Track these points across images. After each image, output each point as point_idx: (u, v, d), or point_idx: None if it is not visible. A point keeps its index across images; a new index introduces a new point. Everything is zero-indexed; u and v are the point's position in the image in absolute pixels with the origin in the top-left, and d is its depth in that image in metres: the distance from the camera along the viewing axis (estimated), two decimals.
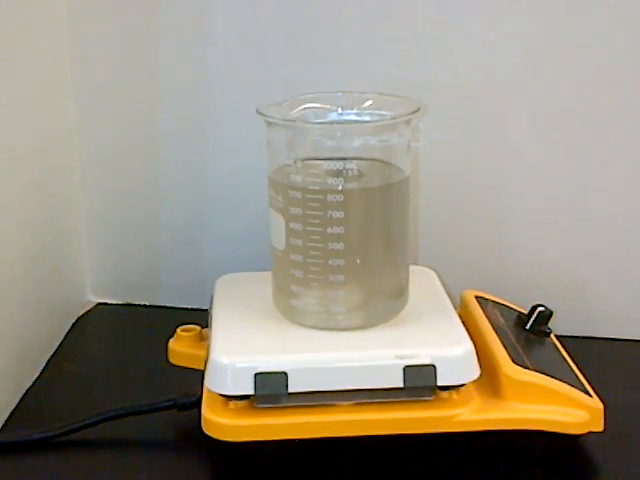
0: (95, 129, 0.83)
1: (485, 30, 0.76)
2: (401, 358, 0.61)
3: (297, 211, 0.62)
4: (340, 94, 0.66)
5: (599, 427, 0.63)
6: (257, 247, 0.70)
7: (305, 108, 0.65)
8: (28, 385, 0.73)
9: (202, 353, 0.67)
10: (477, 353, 0.62)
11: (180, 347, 0.71)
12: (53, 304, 0.80)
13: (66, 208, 0.83)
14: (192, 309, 0.84)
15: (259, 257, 0.68)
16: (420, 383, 0.60)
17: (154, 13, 0.80)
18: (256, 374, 0.60)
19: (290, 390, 0.60)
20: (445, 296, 0.69)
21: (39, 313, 0.76)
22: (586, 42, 0.75)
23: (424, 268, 0.73)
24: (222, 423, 0.61)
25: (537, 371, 0.63)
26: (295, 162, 0.62)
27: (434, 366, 0.60)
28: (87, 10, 0.81)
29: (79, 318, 0.85)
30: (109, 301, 0.88)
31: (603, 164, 0.77)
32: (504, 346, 0.65)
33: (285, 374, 0.60)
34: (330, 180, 0.61)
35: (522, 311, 0.72)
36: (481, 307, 0.71)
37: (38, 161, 0.76)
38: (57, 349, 0.79)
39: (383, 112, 0.64)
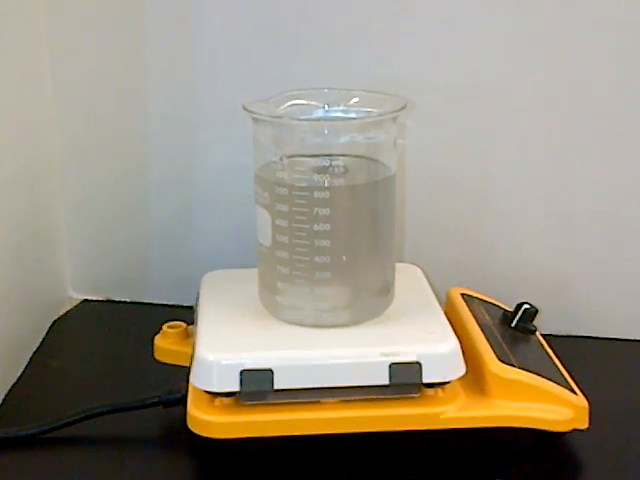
0: (76, 124, 0.83)
1: (471, 30, 0.76)
2: (387, 355, 0.61)
3: (283, 208, 0.62)
4: (327, 91, 0.66)
5: (584, 424, 0.63)
6: (243, 244, 0.70)
7: (291, 105, 0.65)
8: (12, 382, 0.72)
9: (188, 350, 0.67)
10: (463, 350, 0.62)
11: (166, 344, 0.71)
12: (34, 300, 0.79)
13: (47, 204, 0.83)
14: (178, 306, 0.84)
15: (245, 254, 0.68)
16: (406, 380, 0.60)
17: (139, 7, 0.79)
18: (242, 371, 0.60)
19: (276, 387, 0.60)
20: (431, 293, 0.69)
21: (19, 310, 0.76)
22: (571, 43, 0.75)
23: (410, 265, 0.73)
24: (208, 420, 0.61)
25: (522, 369, 0.63)
26: (281, 159, 0.62)
27: (419, 363, 0.60)
28: (67, 2, 0.80)
29: (63, 315, 0.84)
30: (91, 297, 0.87)
31: (586, 163, 0.77)
32: (490, 344, 0.65)
33: (271, 371, 0.60)
34: (316, 177, 0.61)
35: (508, 309, 0.72)
36: (467, 304, 0.71)
37: (18, 156, 0.75)
38: (40, 346, 0.79)
39: (369, 109, 0.64)
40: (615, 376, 0.75)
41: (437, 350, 0.62)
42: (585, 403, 0.63)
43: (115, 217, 0.85)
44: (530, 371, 0.63)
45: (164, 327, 0.71)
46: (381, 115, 0.63)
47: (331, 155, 0.62)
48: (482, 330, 0.67)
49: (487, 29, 0.76)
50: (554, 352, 0.69)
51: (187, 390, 0.63)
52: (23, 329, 0.77)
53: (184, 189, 0.83)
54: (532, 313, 0.70)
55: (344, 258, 0.63)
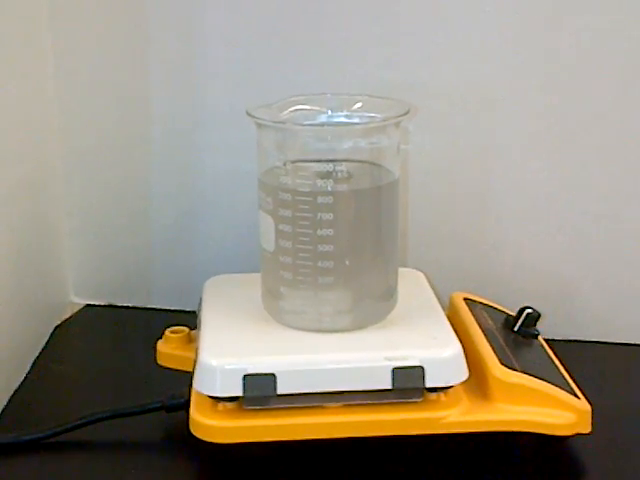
0: (79, 130, 0.83)
1: (473, 34, 0.76)
2: (390, 360, 0.61)
3: (287, 213, 0.62)
4: (330, 96, 0.66)
5: (586, 429, 0.63)
6: (246, 248, 0.70)
7: (295, 110, 0.65)
8: (15, 387, 0.72)
9: (191, 355, 0.67)
10: (465, 355, 0.62)
11: (169, 349, 0.71)
12: (36, 306, 0.79)
13: (49, 209, 0.83)
14: (180, 311, 0.84)
15: (248, 258, 0.68)
16: (409, 385, 0.61)
17: (142, 11, 0.80)
18: (245, 376, 0.60)
19: (279, 392, 0.60)
20: (434, 298, 0.69)
21: (22, 315, 0.76)
22: (572, 45, 0.75)
23: (413, 270, 0.73)
24: (210, 425, 0.61)
25: (525, 373, 0.63)
26: (285, 164, 0.62)
27: (422, 368, 0.60)
28: (71, 7, 0.80)
29: (65, 320, 0.84)
30: (93, 302, 0.87)
31: (588, 166, 0.77)
32: (492, 348, 0.65)
33: (274, 376, 0.60)
34: (320, 182, 0.61)
35: (510, 313, 0.72)
36: (469, 309, 0.71)
37: (20, 162, 0.75)
38: (43, 351, 0.79)
39: (372, 114, 0.64)
40: (618, 380, 0.75)
41: (440, 354, 0.62)
42: (588, 407, 0.63)
43: (117, 222, 0.85)
44: (533, 375, 0.63)
45: (167, 332, 0.71)
46: (384, 120, 0.63)
47: (334, 160, 0.61)
48: (485, 334, 0.67)
49: (489, 34, 0.76)
50: (557, 356, 0.69)
51: (190, 395, 0.63)
52: (26, 334, 0.77)
53: (187, 194, 0.83)
54: (535, 317, 0.70)
55: (347, 263, 0.63)
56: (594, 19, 0.74)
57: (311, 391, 0.61)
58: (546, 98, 0.76)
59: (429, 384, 0.61)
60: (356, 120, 0.65)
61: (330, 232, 0.62)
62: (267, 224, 0.64)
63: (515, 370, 0.63)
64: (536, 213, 0.79)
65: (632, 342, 0.79)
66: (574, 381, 0.66)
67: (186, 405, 0.63)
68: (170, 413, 0.66)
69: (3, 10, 0.71)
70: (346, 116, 0.65)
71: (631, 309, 0.79)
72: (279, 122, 0.63)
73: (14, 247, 0.74)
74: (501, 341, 0.67)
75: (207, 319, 0.66)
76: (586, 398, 0.64)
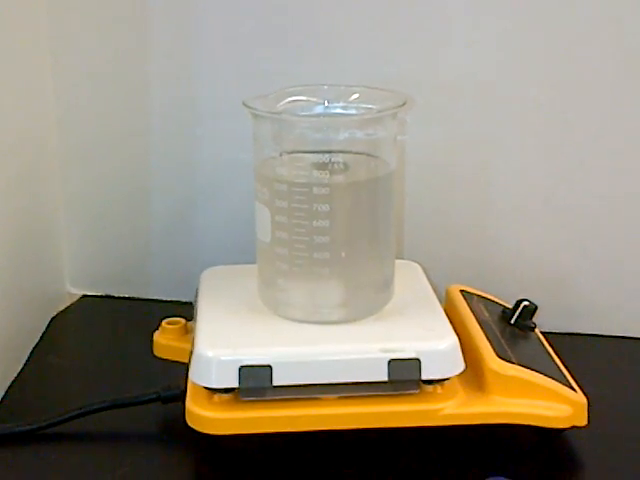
0: (76, 120, 0.83)
1: (471, 26, 0.76)
2: (386, 352, 0.61)
3: (283, 204, 0.62)
4: (327, 87, 0.66)
5: (583, 421, 0.63)
6: (244, 240, 0.70)
7: (291, 101, 0.65)
8: (12, 378, 0.72)
9: (187, 346, 0.67)
10: (462, 347, 0.62)
11: (165, 340, 0.71)
12: (32, 296, 0.79)
13: (46, 199, 0.83)
14: (177, 302, 0.84)
15: (245, 250, 0.68)
16: (405, 377, 0.61)
17: (139, 5, 0.79)
18: (241, 367, 0.60)
19: (275, 383, 0.60)
20: (430, 290, 0.69)
21: (18, 305, 0.76)
22: (565, 40, 0.75)
23: (410, 262, 0.73)
24: (206, 416, 0.61)
25: (521, 365, 0.63)
26: (281, 155, 0.62)
27: (419, 360, 0.60)
28: (68, 1, 0.80)
29: (62, 311, 0.84)
30: (90, 293, 0.87)
31: (586, 158, 0.77)
32: (489, 340, 0.65)
33: (270, 367, 0.60)
34: (316, 173, 0.61)
35: (507, 305, 0.72)
36: (466, 301, 0.71)
37: (19, 152, 0.75)
38: (40, 342, 0.79)
39: (369, 105, 0.64)
40: (615, 373, 0.75)
41: (436, 347, 0.62)
42: (584, 400, 0.63)
43: (114, 212, 0.85)
44: (529, 368, 0.63)
45: (163, 323, 0.71)
46: (381, 111, 0.63)
47: (331, 151, 0.61)
48: (481, 327, 0.67)
49: (487, 25, 0.76)
50: (553, 349, 0.69)
51: (186, 386, 0.63)
52: (22, 325, 0.77)
53: (184, 185, 0.83)
54: (531, 310, 0.70)
55: (343, 254, 0.63)
56: (593, 11, 0.74)
57: (307, 383, 0.61)
58: (545, 91, 0.76)
59: (425, 376, 0.61)
60: (353, 111, 0.65)
61: (326, 223, 0.62)
62: (263, 215, 0.63)
63: (511, 363, 0.63)
64: (533, 205, 0.79)
65: (629, 335, 0.79)
66: (570, 374, 0.66)
67: (182, 396, 0.63)
68: (166, 404, 0.66)
69: (2, 6, 0.71)
70: (343, 107, 0.65)
71: (628, 303, 0.79)
72: (275, 113, 0.63)
73: (11, 238, 0.74)
74: (498, 333, 0.67)
75: (203, 310, 0.66)
76: (582, 391, 0.64)
